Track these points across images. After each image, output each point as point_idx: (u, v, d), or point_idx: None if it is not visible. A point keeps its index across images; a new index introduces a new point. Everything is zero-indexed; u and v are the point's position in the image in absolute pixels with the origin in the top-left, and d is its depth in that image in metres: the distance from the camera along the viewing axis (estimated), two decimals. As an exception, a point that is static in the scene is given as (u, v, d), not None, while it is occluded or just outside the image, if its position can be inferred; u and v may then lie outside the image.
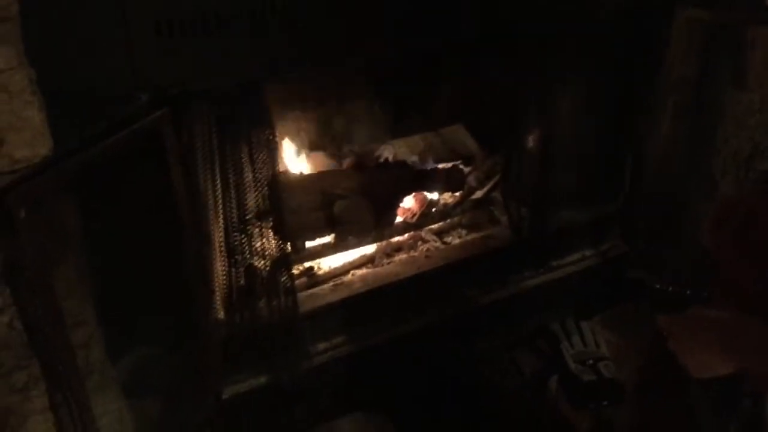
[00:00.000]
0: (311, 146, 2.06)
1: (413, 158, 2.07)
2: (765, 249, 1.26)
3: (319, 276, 1.88)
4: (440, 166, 2.02)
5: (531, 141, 1.89)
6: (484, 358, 1.92)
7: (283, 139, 1.95)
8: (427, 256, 1.96)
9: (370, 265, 1.95)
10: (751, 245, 1.28)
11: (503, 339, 1.96)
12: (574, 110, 1.91)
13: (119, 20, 1.18)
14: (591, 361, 1.85)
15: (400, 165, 1.95)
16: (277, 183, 1.78)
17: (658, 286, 1.92)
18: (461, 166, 2.05)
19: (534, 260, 2.00)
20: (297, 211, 1.80)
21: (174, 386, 1.58)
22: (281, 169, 1.92)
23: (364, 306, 1.82)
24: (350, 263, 1.93)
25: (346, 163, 2.00)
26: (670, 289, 1.91)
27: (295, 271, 1.85)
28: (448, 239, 2.05)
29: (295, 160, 1.98)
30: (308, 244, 1.85)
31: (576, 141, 1.92)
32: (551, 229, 1.97)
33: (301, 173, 1.91)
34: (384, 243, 1.97)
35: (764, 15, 1.68)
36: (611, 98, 1.92)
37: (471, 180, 2.08)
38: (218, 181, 1.45)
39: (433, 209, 2.02)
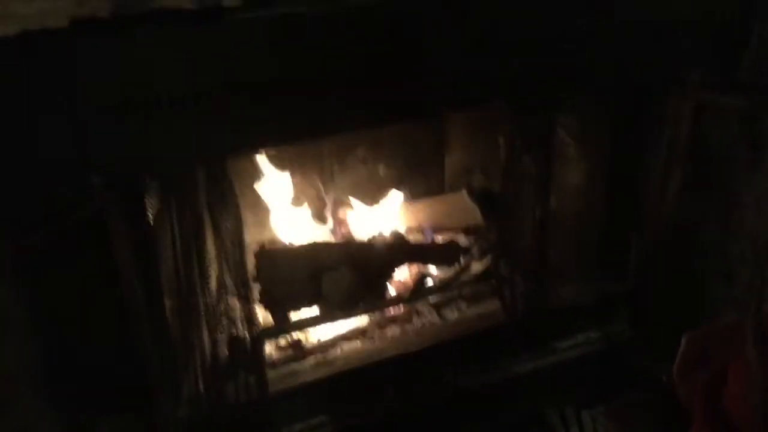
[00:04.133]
0: (310, 212, 2.04)
1: (412, 227, 2.01)
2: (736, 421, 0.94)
3: (307, 348, 1.82)
4: (437, 237, 1.94)
5: (529, 211, 1.78)
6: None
7: (274, 204, 1.93)
8: (417, 334, 1.87)
9: (362, 337, 1.88)
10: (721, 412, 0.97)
11: (495, 427, 1.83)
12: (576, 180, 1.81)
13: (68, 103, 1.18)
14: (589, 457, 1.71)
15: (394, 237, 1.88)
16: (265, 254, 1.78)
17: (665, 378, 1.76)
18: (461, 238, 1.97)
19: (530, 342, 1.87)
20: (283, 283, 1.76)
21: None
22: (269, 239, 1.91)
23: (345, 386, 1.74)
24: (340, 336, 1.87)
25: (340, 232, 1.96)
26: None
27: (282, 344, 1.83)
28: (446, 313, 1.96)
29: (288, 226, 1.95)
30: (296, 315, 1.80)
31: (578, 213, 1.81)
32: (550, 309, 1.85)
33: (290, 243, 1.88)
34: (377, 315, 1.90)
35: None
36: (616, 169, 1.81)
37: (473, 251, 1.99)
38: (179, 259, 1.42)
39: (430, 283, 1.94)
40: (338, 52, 1.31)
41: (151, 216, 1.35)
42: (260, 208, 1.94)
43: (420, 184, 2.18)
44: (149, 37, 1.17)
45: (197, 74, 1.23)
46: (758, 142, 1.60)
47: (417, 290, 1.89)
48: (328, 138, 1.49)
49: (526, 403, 1.86)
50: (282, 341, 1.82)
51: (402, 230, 1.97)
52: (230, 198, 1.42)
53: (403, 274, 1.92)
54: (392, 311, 1.92)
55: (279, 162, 1.88)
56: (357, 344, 1.84)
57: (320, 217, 2.00)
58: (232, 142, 1.33)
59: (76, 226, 1.21)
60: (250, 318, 1.57)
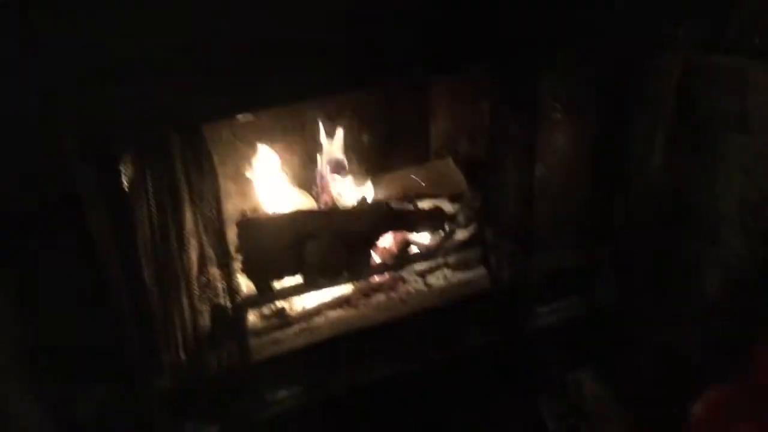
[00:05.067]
0: (292, 180, 2.02)
1: (396, 194, 1.99)
2: None
3: (291, 317, 1.82)
4: (422, 204, 1.92)
5: (514, 176, 1.76)
6: (456, 412, 1.81)
7: (257, 174, 1.91)
8: (402, 300, 1.86)
9: (346, 306, 1.87)
10: None
11: (481, 392, 1.83)
12: (562, 144, 1.78)
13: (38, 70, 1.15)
14: (572, 420, 1.72)
15: (378, 204, 1.86)
16: (247, 223, 1.76)
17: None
18: (445, 203, 1.94)
19: (516, 307, 1.86)
20: (266, 251, 1.75)
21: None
22: (252, 208, 1.89)
23: (330, 353, 1.74)
24: (324, 304, 1.86)
25: (324, 200, 1.94)
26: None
27: (266, 312, 1.82)
28: (432, 280, 1.95)
29: (271, 195, 1.93)
30: (279, 284, 1.79)
31: (563, 178, 1.79)
32: (535, 274, 1.84)
33: (273, 212, 1.86)
34: (361, 283, 1.89)
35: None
36: (601, 132, 1.78)
37: (459, 218, 1.97)
38: (156, 227, 1.40)
39: (415, 249, 1.93)
40: (316, 11, 1.27)
41: (126, 184, 1.33)
42: (242, 178, 1.91)
43: (405, 151, 2.15)
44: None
45: (170, 36, 1.20)
46: (746, 102, 1.56)
47: (402, 257, 1.88)
48: (308, 102, 1.45)
49: (511, 368, 1.86)
50: (265, 310, 1.81)
51: (387, 198, 1.94)
52: (207, 165, 1.40)
53: (387, 241, 1.91)
54: (377, 279, 1.91)
55: (260, 130, 1.85)
56: (341, 312, 1.84)
57: (303, 186, 1.97)
58: (208, 107, 1.30)
59: (51, 195, 1.19)
60: (232, 287, 1.56)
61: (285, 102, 1.45)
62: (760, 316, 1.68)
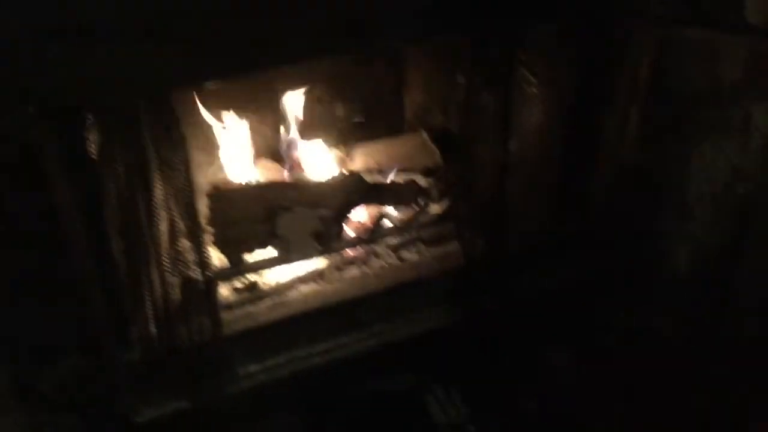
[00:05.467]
0: (264, 152, 1.98)
1: (370, 167, 1.97)
2: None
3: (263, 291, 1.79)
4: (394, 178, 1.91)
5: (487, 151, 1.75)
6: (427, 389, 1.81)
7: (226, 143, 1.87)
8: (376, 275, 1.85)
9: (319, 280, 1.85)
10: None
11: (455, 366, 1.84)
12: (536, 119, 1.78)
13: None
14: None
15: (351, 177, 1.84)
16: (218, 194, 1.73)
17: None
18: (419, 177, 1.93)
19: (489, 283, 1.86)
20: (238, 223, 1.72)
21: (88, 404, 1.52)
22: (222, 179, 1.86)
23: (302, 327, 1.72)
24: (298, 278, 1.84)
25: (295, 172, 1.91)
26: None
27: (238, 285, 1.79)
28: (406, 255, 1.94)
29: (242, 167, 1.89)
30: (250, 257, 1.76)
31: (537, 153, 1.79)
32: (508, 250, 1.84)
33: (245, 183, 1.82)
34: (335, 257, 1.88)
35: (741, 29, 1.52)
36: (576, 107, 1.78)
37: (432, 192, 1.96)
38: (125, 197, 1.36)
39: (388, 223, 1.91)
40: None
41: (92, 151, 1.28)
42: (213, 149, 1.87)
43: (379, 124, 2.13)
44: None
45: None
46: (719, 77, 1.57)
47: (375, 231, 1.86)
48: (278, 69, 1.41)
49: (485, 344, 1.86)
50: (237, 283, 1.79)
51: (360, 170, 1.92)
52: (176, 134, 1.36)
53: (361, 214, 1.89)
54: (350, 253, 1.89)
55: (231, 100, 1.81)
56: (314, 286, 1.82)
57: (275, 157, 1.94)
58: (176, 73, 1.26)
59: (11, 157, 1.15)
60: (203, 259, 1.52)
61: (255, 69, 1.41)
62: (729, 290, 1.71)
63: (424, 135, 2.05)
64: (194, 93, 1.72)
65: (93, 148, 1.29)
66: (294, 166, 1.94)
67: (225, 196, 1.72)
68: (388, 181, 1.91)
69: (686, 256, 1.81)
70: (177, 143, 1.36)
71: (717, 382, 1.68)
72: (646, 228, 1.85)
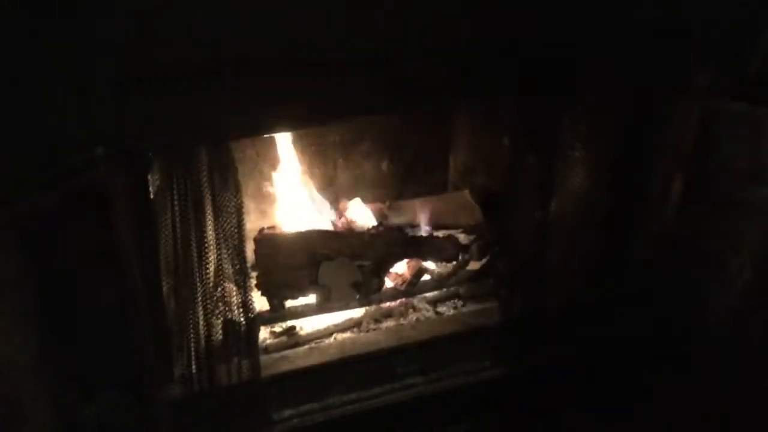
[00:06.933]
0: (312, 202, 2.04)
1: (414, 222, 2.02)
2: None
3: (301, 336, 1.83)
4: (436, 233, 1.95)
5: (528, 211, 1.78)
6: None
7: (277, 192, 1.94)
8: (412, 327, 1.87)
9: (356, 329, 1.88)
10: None
11: (487, 427, 1.83)
12: (579, 182, 1.80)
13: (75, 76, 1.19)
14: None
15: (394, 230, 1.88)
16: (264, 239, 1.78)
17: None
18: (460, 235, 1.97)
19: (526, 341, 1.87)
20: (281, 269, 1.77)
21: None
22: (270, 224, 1.92)
23: (338, 374, 1.74)
24: (335, 326, 1.87)
25: (341, 222, 1.96)
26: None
27: (276, 330, 1.83)
28: (443, 309, 1.96)
29: (291, 215, 1.96)
30: (290, 303, 1.81)
31: (578, 216, 1.81)
32: (547, 310, 1.84)
33: (291, 230, 1.88)
34: (373, 307, 1.91)
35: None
36: (617, 169, 1.80)
37: (473, 249, 1.98)
38: (178, 238, 1.43)
39: (427, 277, 1.94)
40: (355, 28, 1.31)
41: (152, 192, 1.36)
42: (262, 196, 1.94)
43: (424, 181, 2.19)
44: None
45: (206, 51, 1.24)
46: (764, 151, 1.58)
47: (414, 285, 1.89)
48: (337, 123, 1.47)
49: (517, 401, 1.85)
50: (277, 327, 1.83)
51: (402, 225, 1.97)
52: (232, 179, 1.43)
53: (401, 267, 1.92)
54: (388, 304, 1.92)
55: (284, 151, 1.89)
56: (351, 335, 1.85)
57: (322, 208, 2.00)
58: (237, 123, 1.34)
59: (77, 199, 1.22)
60: (246, 303, 1.57)
61: (310, 123, 1.48)
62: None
63: (467, 193, 2.09)
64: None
65: (152, 190, 1.36)
66: (339, 217, 1.99)
67: (271, 241, 1.78)
68: (429, 236, 1.94)
69: (727, 329, 1.78)
70: (232, 188, 1.43)
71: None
72: (686, 294, 1.84)
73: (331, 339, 1.84)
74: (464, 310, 1.96)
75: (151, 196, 1.37)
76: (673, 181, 1.79)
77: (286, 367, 1.71)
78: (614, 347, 1.89)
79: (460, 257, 1.91)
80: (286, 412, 1.70)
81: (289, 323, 1.84)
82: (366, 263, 1.80)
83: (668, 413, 1.81)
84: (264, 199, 1.96)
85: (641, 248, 1.85)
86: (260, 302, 1.75)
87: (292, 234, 1.85)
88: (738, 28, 1.57)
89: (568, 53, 1.51)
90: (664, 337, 1.87)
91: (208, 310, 1.53)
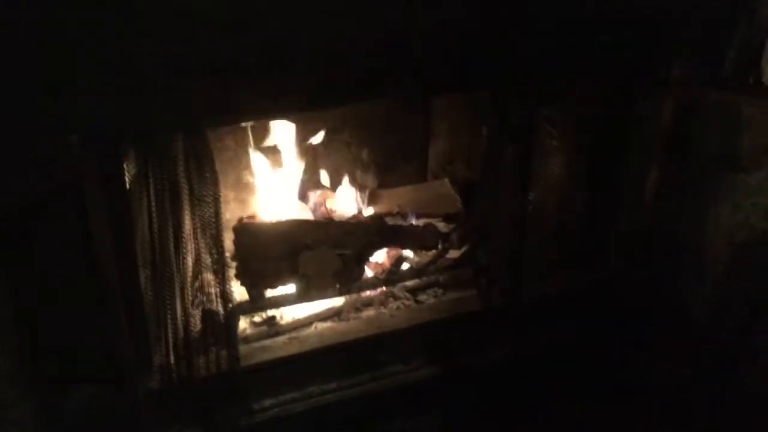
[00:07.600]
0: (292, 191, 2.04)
1: (394, 211, 2.02)
2: None
3: (281, 326, 1.83)
4: (416, 222, 1.95)
5: (507, 201, 1.79)
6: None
7: (256, 181, 1.93)
8: (392, 316, 1.88)
9: (336, 318, 1.88)
10: None
11: (465, 415, 1.84)
12: (557, 172, 1.81)
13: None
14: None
15: (374, 219, 1.88)
16: (243, 229, 1.78)
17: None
18: (440, 224, 1.97)
19: (505, 330, 1.88)
20: (261, 259, 1.76)
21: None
22: (250, 214, 1.91)
23: (318, 363, 1.75)
24: (315, 315, 1.87)
25: (320, 212, 1.96)
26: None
27: (257, 319, 1.83)
28: (423, 298, 1.97)
29: (268, 204, 1.95)
30: (271, 293, 1.80)
31: (556, 205, 1.82)
32: (526, 299, 1.86)
33: (270, 220, 1.87)
34: (353, 296, 1.91)
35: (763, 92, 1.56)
36: (593, 158, 1.82)
37: (452, 238, 1.99)
38: (155, 227, 1.42)
39: (407, 266, 1.95)
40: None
41: (127, 181, 1.35)
42: (241, 186, 1.93)
43: (403, 170, 2.18)
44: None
45: (181, 40, 1.22)
46: (740, 139, 1.60)
47: (394, 273, 1.90)
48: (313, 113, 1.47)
49: (495, 390, 1.87)
50: (256, 317, 1.82)
51: (382, 214, 1.97)
52: (209, 168, 1.42)
53: (381, 256, 1.93)
54: (368, 293, 1.92)
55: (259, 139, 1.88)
56: (331, 324, 1.85)
57: (301, 197, 1.99)
58: (213, 113, 1.33)
59: (51, 188, 1.21)
60: (225, 293, 1.56)
61: (288, 112, 1.47)
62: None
63: (447, 182, 2.09)
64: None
65: (128, 179, 1.35)
66: (319, 207, 1.98)
67: (250, 230, 1.77)
68: (409, 224, 1.95)
69: (704, 315, 1.81)
70: (209, 178, 1.42)
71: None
72: (664, 282, 1.86)
73: (312, 328, 1.84)
74: (444, 298, 1.96)
75: (127, 186, 1.35)
76: (650, 170, 1.80)
77: (266, 356, 1.71)
78: (593, 336, 1.91)
79: (439, 246, 1.91)
80: (267, 402, 1.70)
81: (270, 313, 1.84)
82: (346, 252, 1.80)
83: (648, 401, 1.84)
84: (243, 188, 1.95)
85: (619, 237, 1.87)
86: (240, 292, 1.75)
87: (271, 223, 1.84)
88: (715, 19, 1.59)
89: (545, 45, 1.51)
90: (643, 326, 1.89)
91: (187, 301, 1.52)
